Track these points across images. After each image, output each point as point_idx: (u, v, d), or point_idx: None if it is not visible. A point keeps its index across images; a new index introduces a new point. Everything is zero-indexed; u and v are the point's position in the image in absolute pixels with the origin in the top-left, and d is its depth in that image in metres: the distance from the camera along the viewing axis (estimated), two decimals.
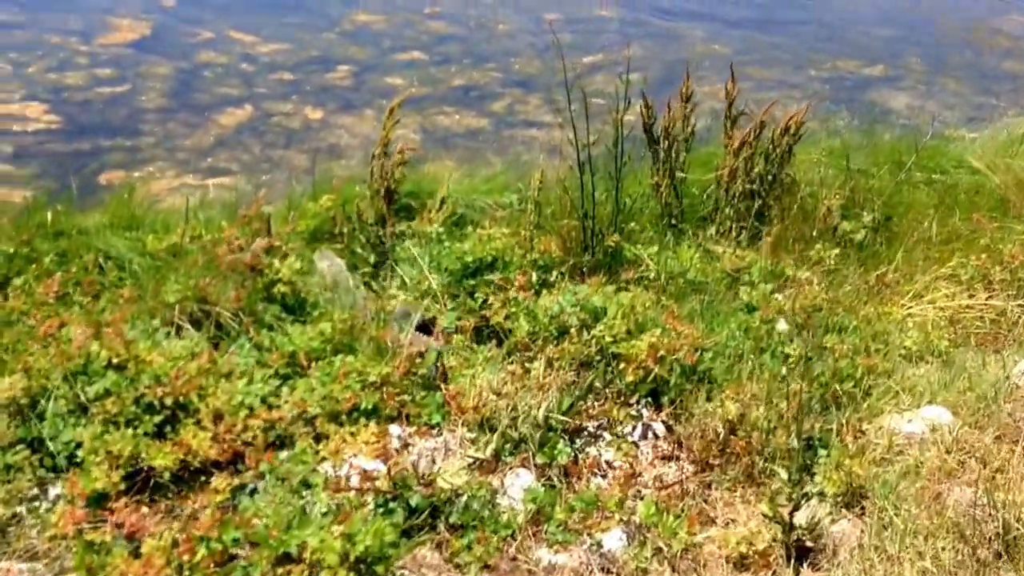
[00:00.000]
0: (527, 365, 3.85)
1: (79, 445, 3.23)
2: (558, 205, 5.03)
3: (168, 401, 3.40)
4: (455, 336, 4.28)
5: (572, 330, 3.95)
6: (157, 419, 3.36)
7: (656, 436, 3.64)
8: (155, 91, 8.45)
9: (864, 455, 3.42)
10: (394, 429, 3.52)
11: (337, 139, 8.03)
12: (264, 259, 4.30)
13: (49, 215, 4.85)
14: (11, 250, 4.50)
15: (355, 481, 3.12)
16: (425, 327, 4.32)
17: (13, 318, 3.99)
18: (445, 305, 4.50)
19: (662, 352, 3.72)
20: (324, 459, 3.29)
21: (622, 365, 3.78)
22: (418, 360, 3.76)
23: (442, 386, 3.73)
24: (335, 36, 10.23)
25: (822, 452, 3.44)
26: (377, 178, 5.14)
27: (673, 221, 5.40)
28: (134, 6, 10.33)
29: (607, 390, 3.78)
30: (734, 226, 5.40)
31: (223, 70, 9.05)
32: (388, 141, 5.17)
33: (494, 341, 4.25)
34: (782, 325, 3.75)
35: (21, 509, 3.15)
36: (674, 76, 9.49)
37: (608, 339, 3.87)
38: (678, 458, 3.55)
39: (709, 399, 3.71)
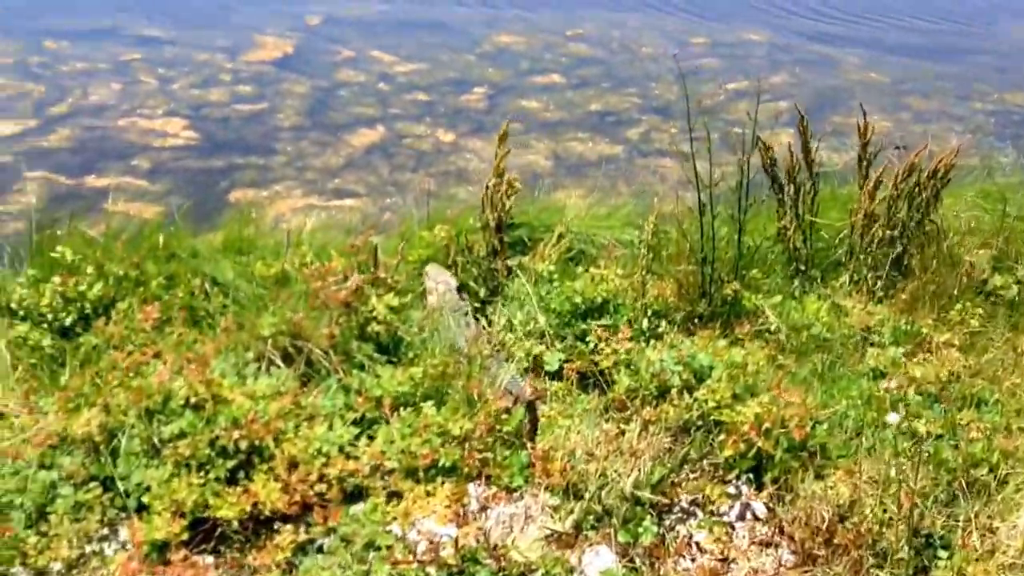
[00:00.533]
0: (622, 426, 3.59)
1: (148, 488, 3.15)
2: (676, 247, 4.75)
3: (243, 445, 3.29)
4: (555, 383, 4.07)
5: (673, 391, 3.68)
6: (230, 464, 3.25)
7: (755, 518, 3.32)
8: (291, 109, 8.53)
9: (992, 559, 3.02)
10: (472, 489, 3.32)
11: (466, 163, 7.92)
12: (365, 291, 4.18)
13: (161, 237, 4.85)
14: (121, 272, 4.48)
15: (422, 548, 2.93)
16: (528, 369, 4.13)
17: (113, 344, 3.97)
18: (553, 346, 4.29)
19: (767, 424, 3.40)
20: (394, 519, 3.12)
21: (722, 436, 3.48)
22: (504, 416, 3.55)
23: (528, 444, 3.51)
24: (474, 57, 10.15)
25: (943, 553, 3.06)
26: (488, 209, 4.97)
27: (801, 268, 5.03)
28: (281, 24, 10.52)
29: (704, 461, 3.48)
30: (869, 275, 4.99)
31: (360, 89, 9.08)
32: (502, 171, 4.99)
33: (597, 391, 4.02)
34: (893, 417, 3.39)
35: (89, 550, 3.09)
36: (824, 105, 9.05)
37: (711, 404, 3.58)
38: (777, 545, 3.22)
39: (820, 477, 3.38)
